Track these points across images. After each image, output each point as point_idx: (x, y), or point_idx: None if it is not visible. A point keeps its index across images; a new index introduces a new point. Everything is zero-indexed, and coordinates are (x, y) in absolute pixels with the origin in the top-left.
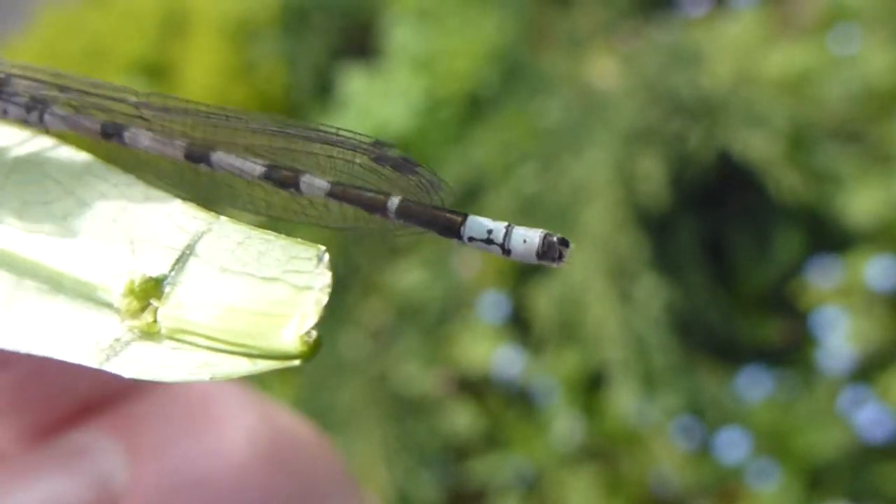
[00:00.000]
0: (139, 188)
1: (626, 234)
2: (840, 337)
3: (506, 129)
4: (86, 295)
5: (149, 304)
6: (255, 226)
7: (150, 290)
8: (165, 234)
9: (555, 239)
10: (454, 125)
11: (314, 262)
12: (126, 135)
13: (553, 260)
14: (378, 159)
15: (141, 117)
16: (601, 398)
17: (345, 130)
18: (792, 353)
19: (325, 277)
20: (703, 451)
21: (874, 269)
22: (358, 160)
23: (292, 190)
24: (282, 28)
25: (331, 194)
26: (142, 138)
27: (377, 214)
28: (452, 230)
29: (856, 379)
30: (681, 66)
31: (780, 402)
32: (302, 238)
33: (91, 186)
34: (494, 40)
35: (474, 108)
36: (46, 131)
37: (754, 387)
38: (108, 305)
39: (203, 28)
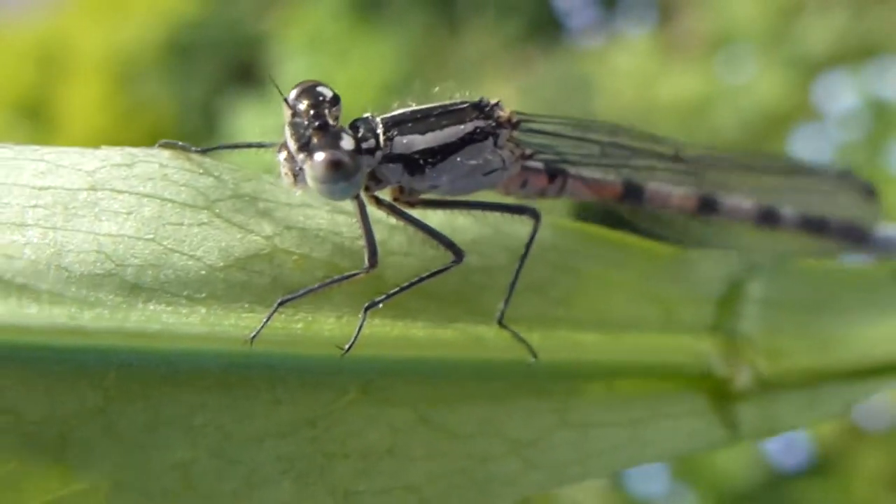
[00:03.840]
0: (635, 250)
1: None
2: None
3: None
4: (664, 382)
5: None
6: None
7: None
8: (696, 288)
9: None
10: None
11: None
12: (647, 192)
13: None
14: (867, 192)
15: (677, 170)
16: None
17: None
18: None
19: None
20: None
21: None
22: (842, 195)
23: (766, 224)
24: (168, 66)
25: (802, 224)
26: (665, 194)
27: (817, 235)
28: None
29: None
30: (576, 96)
31: None
32: None
33: (587, 258)
34: (389, 72)
35: None
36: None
37: None
38: (695, 379)
39: (84, 67)
